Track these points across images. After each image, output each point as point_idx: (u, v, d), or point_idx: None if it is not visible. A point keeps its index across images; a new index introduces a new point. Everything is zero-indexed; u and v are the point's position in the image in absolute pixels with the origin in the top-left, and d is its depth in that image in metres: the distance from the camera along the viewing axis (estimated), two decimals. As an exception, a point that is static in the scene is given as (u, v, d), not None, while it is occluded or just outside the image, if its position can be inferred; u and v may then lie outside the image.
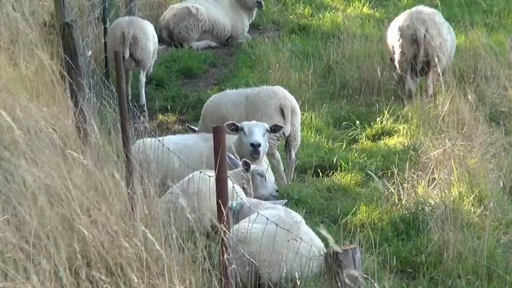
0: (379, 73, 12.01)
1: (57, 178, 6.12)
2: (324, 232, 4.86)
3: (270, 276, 6.79)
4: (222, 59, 14.30)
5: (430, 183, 8.73)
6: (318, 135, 10.87)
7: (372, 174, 8.49)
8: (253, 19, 15.23)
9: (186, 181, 7.63)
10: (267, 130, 8.89)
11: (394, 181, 8.68)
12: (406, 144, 10.44)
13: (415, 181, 8.72)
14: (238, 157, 8.45)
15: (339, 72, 12.71)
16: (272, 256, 6.74)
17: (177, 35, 14.60)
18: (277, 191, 8.35)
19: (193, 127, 9.81)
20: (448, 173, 8.72)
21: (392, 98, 11.65)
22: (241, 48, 14.49)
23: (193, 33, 14.62)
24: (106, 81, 9.33)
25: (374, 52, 12.83)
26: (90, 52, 11.31)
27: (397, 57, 11.75)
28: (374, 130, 11.01)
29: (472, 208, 8.39)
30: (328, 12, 16.04)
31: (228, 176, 5.82)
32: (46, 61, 8.25)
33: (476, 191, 8.50)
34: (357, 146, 10.71)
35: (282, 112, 9.41)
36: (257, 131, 8.80)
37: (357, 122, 11.01)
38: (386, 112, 11.19)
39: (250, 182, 8.06)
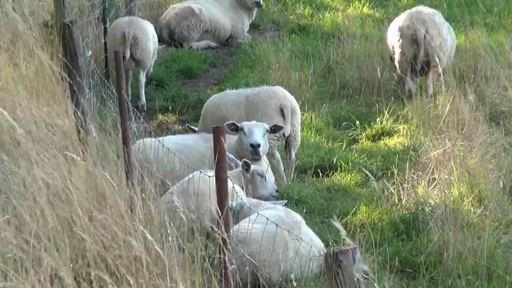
0: (379, 73, 12.01)
1: (57, 178, 6.12)
2: (337, 224, 4.85)
3: (270, 276, 6.79)
4: (222, 59, 14.30)
5: (430, 183, 8.73)
6: (318, 135, 10.86)
7: (367, 173, 8.46)
8: (253, 19, 15.23)
9: (186, 181, 7.62)
10: (267, 131, 8.89)
11: (394, 181, 8.68)
12: (406, 144, 10.43)
13: (415, 181, 8.72)
14: (238, 157, 8.46)
15: (339, 72, 12.70)
16: (272, 256, 6.74)
17: (178, 34, 14.58)
18: (277, 191, 8.35)
19: (193, 127, 9.80)
20: (448, 173, 8.72)
21: (392, 98, 11.64)
22: (241, 48, 14.49)
23: (194, 33, 14.61)
24: (106, 81, 9.34)
25: (374, 52, 12.83)
26: (90, 52, 11.30)
27: (397, 57, 11.75)
28: (374, 130, 11.00)
29: (472, 208, 8.39)
30: (328, 12, 16.04)
31: (228, 176, 5.82)
32: (46, 61, 8.26)
33: (476, 191, 8.50)
34: (357, 146, 10.70)
35: (282, 112, 9.40)
36: (257, 132, 8.80)
37: (357, 122, 11.00)
38: (386, 112, 11.18)
39: (250, 182, 8.07)
